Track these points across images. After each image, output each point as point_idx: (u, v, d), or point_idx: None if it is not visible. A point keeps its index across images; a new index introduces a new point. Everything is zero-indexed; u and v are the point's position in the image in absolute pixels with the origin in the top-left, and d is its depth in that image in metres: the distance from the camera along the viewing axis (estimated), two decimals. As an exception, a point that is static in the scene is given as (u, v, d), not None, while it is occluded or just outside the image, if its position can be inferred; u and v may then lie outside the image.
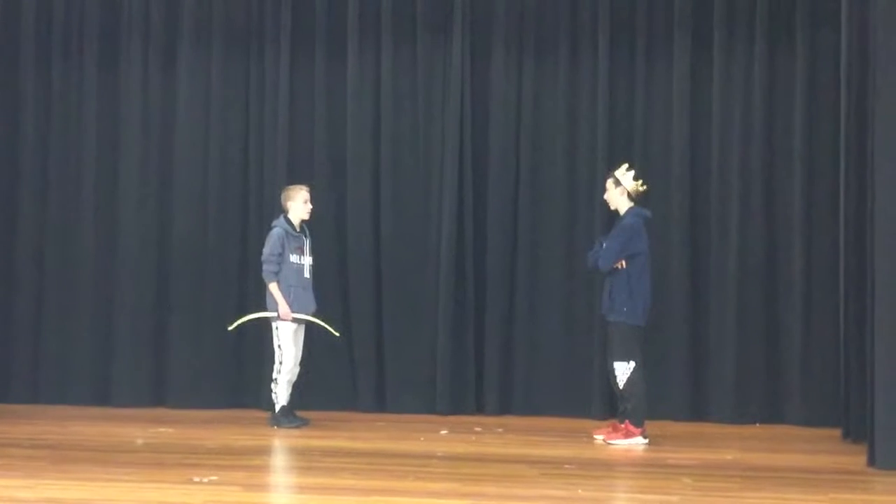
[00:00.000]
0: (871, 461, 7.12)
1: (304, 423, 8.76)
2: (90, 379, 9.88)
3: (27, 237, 10.06)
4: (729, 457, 7.64)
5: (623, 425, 8.16)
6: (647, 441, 8.09)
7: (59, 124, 10.09)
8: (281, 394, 8.74)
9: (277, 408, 8.74)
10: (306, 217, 8.97)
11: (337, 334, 9.02)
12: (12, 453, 7.41)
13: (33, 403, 9.78)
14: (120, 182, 9.99)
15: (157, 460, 7.22)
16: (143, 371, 9.83)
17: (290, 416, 8.75)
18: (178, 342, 9.82)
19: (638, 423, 8.12)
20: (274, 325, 8.79)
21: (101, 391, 9.84)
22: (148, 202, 9.95)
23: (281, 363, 8.73)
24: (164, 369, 9.86)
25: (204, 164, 9.93)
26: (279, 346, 8.76)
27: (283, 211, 8.96)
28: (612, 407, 8.79)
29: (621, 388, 8.12)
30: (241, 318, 9.09)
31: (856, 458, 7.39)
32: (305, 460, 7.45)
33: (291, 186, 9.06)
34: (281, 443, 8.18)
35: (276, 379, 8.74)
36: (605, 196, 8.44)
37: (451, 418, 9.30)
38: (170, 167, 9.97)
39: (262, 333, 9.09)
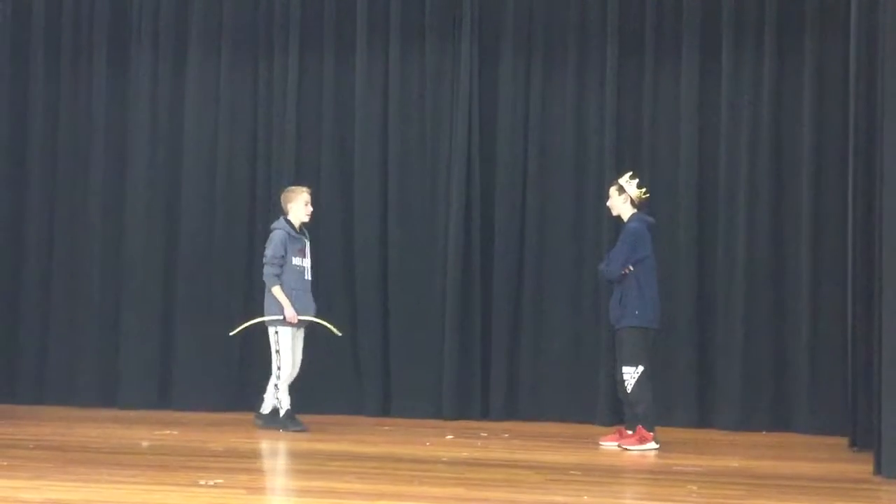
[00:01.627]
0: (878, 470, 7.09)
1: (304, 428, 8.73)
2: (96, 380, 9.91)
3: (35, 239, 10.10)
4: (735, 464, 7.61)
5: (635, 430, 8.15)
6: (658, 446, 8.08)
7: (67, 127, 10.13)
8: (283, 398, 8.72)
9: (283, 412, 8.72)
10: (307, 219, 8.91)
11: (339, 334, 8.99)
12: (18, 454, 7.41)
13: (39, 405, 9.82)
14: (128, 185, 10.03)
15: (163, 463, 7.21)
16: (149, 373, 9.86)
17: (278, 419, 8.73)
18: (184, 344, 9.84)
19: (650, 428, 8.12)
20: (273, 329, 8.73)
21: (107, 393, 9.87)
22: (155, 205, 9.98)
23: (279, 368, 8.69)
24: (170, 372, 9.88)
25: (212, 168, 9.95)
26: (277, 352, 8.69)
27: (283, 212, 8.92)
28: (618, 413, 8.79)
29: (629, 392, 8.11)
30: (243, 323, 9.06)
31: (862, 467, 7.36)
32: (311, 464, 7.44)
33: (292, 188, 9.01)
34: (286, 446, 8.17)
35: (277, 385, 8.70)
36: (608, 203, 8.47)
37: (457, 423, 9.30)
38: (178, 171, 10.00)
39: (267, 337, 9.07)
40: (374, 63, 9.85)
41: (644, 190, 8.38)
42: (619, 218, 8.42)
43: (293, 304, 8.67)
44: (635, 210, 8.32)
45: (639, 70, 9.63)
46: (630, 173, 8.44)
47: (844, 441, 8.33)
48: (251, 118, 10.01)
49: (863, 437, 7.90)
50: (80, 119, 10.12)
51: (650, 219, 8.37)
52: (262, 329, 8.91)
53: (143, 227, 9.95)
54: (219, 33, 10.00)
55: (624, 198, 8.33)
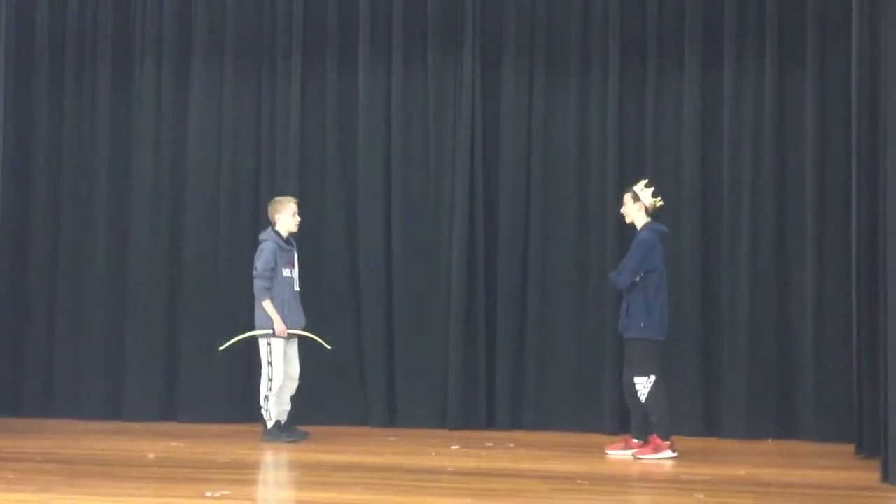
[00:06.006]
0: (885, 477, 7.08)
1: (304, 436, 8.73)
2: (102, 393, 9.90)
3: (40, 251, 10.10)
4: (742, 472, 7.61)
5: (645, 439, 8.14)
6: (675, 454, 8.06)
7: (71, 140, 10.14)
8: (273, 410, 8.71)
9: (270, 424, 8.71)
10: (295, 230, 8.90)
11: (329, 347, 9.00)
12: (24, 468, 7.42)
13: (45, 418, 9.81)
14: (132, 197, 10.04)
15: (169, 475, 7.22)
16: (155, 385, 9.85)
17: (288, 430, 8.72)
18: (189, 357, 9.83)
19: (665, 437, 8.10)
20: (265, 341, 8.72)
21: (112, 405, 9.86)
22: (160, 217, 9.99)
23: (271, 380, 8.68)
24: (176, 384, 9.88)
25: (216, 180, 9.96)
26: (270, 363, 8.69)
27: (271, 223, 8.91)
28: (625, 421, 8.78)
29: (643, 402, 8.11)
30: (232, 338, 9.02)
31: (869, 474, 7.35)
32: (317, 475, 7.44)
33: (279, 198, 8.99)
34: (292, 457, 8.17)
35: (267, 396, 8.70)
36: (623, 210, 8.48)
37: (463, 433, 9.29)
38: (182, 182, 10.01)
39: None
40: (377, 73, 9.86)
41: (659, 198, 8.39)
42: (632, 225, 8.44)
43: (285, 317, 8.67)
44: (649, 218, 8.34)
45: (641, 79, 9.63)
46: (645, 181, 8.45)
47: (851, 448, 8.30)
48: (254, 130, 10.01)
49: (869, 444, 7.89)
50: (84, 132, 10.12)
51: (663, 228, 8.38)
52: (256, 341, 8.90)
53: (147, 239, 9.95)
54: (222, 44, 10.01)
55: (639, 206, 8.35)
